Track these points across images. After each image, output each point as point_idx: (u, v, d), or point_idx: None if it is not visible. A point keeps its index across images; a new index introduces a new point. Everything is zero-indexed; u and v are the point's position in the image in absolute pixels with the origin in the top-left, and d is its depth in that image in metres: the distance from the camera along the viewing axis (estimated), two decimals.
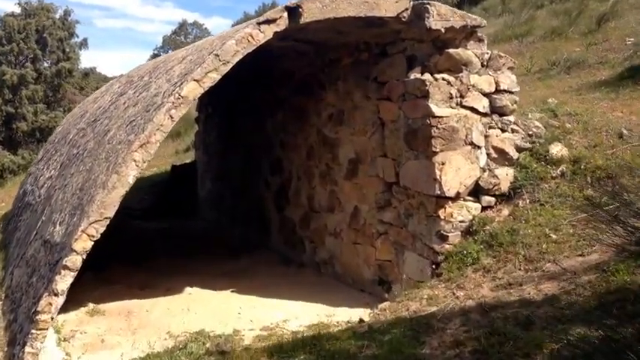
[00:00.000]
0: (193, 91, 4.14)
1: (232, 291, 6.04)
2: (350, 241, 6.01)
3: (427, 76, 4.84)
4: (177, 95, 4.06)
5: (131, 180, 4.03)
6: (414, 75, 4.97)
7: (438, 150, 4.72)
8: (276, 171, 7.75)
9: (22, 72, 21.98)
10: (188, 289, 6.14)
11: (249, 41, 4.31)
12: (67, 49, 24.66)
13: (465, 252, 4.59)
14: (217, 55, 4.23)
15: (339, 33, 5.60)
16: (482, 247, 4.58)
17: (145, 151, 4.00)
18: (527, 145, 5.11)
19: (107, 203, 3.93)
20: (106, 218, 4.00)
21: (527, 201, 4.83)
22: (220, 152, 9.99)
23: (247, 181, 8.76)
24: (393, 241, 5.30)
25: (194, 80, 4.14)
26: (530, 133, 5.26)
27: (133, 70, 9.01)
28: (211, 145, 10.52)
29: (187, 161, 12.59)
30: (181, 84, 4.17)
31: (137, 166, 4.01)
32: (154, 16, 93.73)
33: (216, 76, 4.20)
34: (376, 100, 5.50)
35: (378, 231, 5.50)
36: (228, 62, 4.24)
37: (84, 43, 26.26)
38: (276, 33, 4.46)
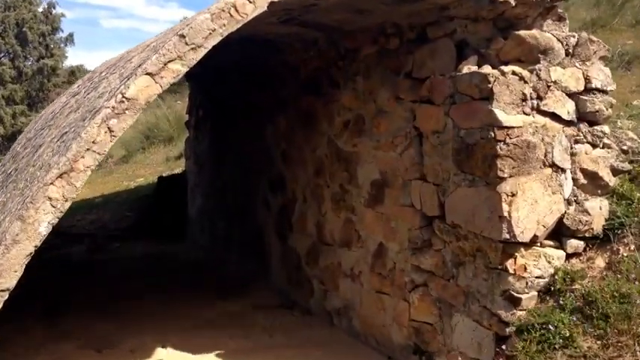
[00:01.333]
0: (145, 90, 2.79)
1: (217, 354, 4.66)
2: (372, 289, 4.62)
3: (488, 69, 3.45)
4: (119, 97, 2.70)
5: (44, 230, 2.68)
6: (469, 68, 3.58)
7: (506, 175, 3.33)
8: (277, 189, 6.37)
9: None
10: (160, 351, 4.76)
11: (231, 15, 2.96)
12: (51, 45, 23.23)
13: (548, 324, 3.19)
14: (183, 37, 2.88)
15: (359, 12, 4.23)
16: (574, 318, 3.19)
17: (67, 184, 2.64)
18: (625, 166, 3.72)
19: (3, 268, 2.56)
20: (3, 291, 2.63)
21: (632, 246, 3.44)
22: (213, 164, 8.62)
23: (243, 200, 7.39)
24: (435, 298, 3.90)
25: (147, 74, 2.78)
26: (625, 148, 3.87)
27: (101, 64, 7.66)
28: (202, 155, 9.15)
29: (177, 171, 11.22)
30: (129, 80, 2.80)
31: (54, 206, 2.66)
32: (159, 16, 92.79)
33: (180, 68, 2.85)
34: (411, 103, 4.12)
35: (413, 281, 4.11)
36: (199, 47, 2.89)
37: (69, 39, 24.78)
38: (271, 3, 3.08)
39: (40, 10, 23.29)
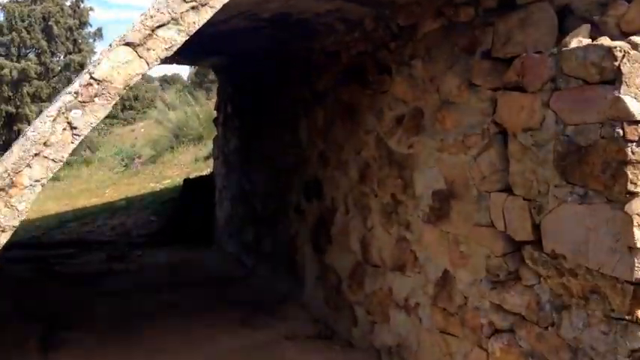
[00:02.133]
0: (124, 68, 1.93)
1: None
2: (435, 327, 3.70)
3: (610, 42, 2.49)
4: (86, 78, 1.86)
5: None
6: (580, 41, 2.62)
7: (639, 189, 2.37)
8: (313, 196, 5.50)
9: (23, 66, 20.11)
10: None
11: None
12: (79, 40, 22.74)
13: None
14: None
15: None
16: None
17: (3, 206, 1.81)
18: None
19: None
20: None
21: None
22: (241, 164, 7.81)
23: (273, 206, 6.55)
24: (526, 350, 2.95)
25: (126, 45, 1.93)
26: None
27: None
28: (230, 155, 8.36)
29: (204, 173, 10.47)
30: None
31: None
32: None
33: (175, 36, 2.02)
34: (490, 91, 3.18)
35: (493, 324, 3.17)
36: (203, 5, 2.01)
37: (98, 33, 24.32)
38: None
39: (68, 3, 22.84)
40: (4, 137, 16.63)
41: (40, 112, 18.06)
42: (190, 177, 10.32)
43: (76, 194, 12.91)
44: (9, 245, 7.29)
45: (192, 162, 12.94)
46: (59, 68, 21.54)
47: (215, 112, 9.77)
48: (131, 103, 25.23)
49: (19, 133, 16.60)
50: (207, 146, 13.67)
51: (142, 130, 20.28)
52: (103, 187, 13.17)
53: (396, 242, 4.15)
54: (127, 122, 24.15)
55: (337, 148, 5.00)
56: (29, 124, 17.21)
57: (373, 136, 4.43)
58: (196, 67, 19.11)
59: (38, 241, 8.76)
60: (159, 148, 14.78)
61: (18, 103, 18.18)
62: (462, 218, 3.42)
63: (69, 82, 21.29)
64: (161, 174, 12.72)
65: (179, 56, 8.09)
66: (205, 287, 6.48)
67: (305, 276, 5.67)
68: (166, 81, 33.29)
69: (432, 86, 3.70)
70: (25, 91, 18.90)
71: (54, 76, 20.99)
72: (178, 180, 11.41)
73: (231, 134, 8.32)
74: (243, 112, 7.73)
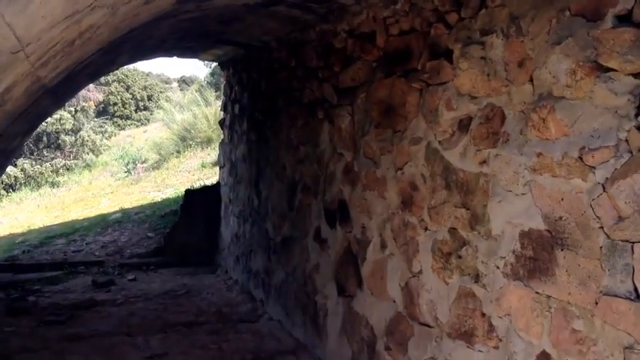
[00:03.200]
0: None
1: None
2: None
3: None
4: None
5: None
6: None
7: None
8: (338, 220, 4.33)
9: None
10: None
11: None
12: None
13: None
14: None
15: None
16: None
17: None
18: None
19: None
20: None
21: None
22: (250, 175, 6.67)
23: (289, 230, 5.39)
24: None
25: None
26: None
27: None
28: (238, 163, 7.23)
29: (210, 182, 9.34)
30: None
31: None
32: None
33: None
34: (632, 78, 1.99)
35: None
36: None
37: None
38: None
39: None
40: None
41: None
42: (193, 187, 9.20)
43: (70, 204, 11.90)
44: None
45: (198, 168, 11.85)
46: None
47: (222, 112, 8.66)
48: (145, 104, 24.37)
49: None
50: (216, 150, 12.60)
51: (154, 131, 19.33)
52: (101, 195, 12.15)
53: (457, 298, 2.96)
54: (141, 123, 23.26)
55: (370, 162, 3.83)
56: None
57: (423, 146, 3.25)
58: (212, 67, 18.05)
59: (15, 262, 7.71)
60: (164, 152, 13.73)
61: None
62: (576, 279, 2.23)
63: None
64: (164, 182, 11.65)
65: (180, 47, 7.02)
66: (203, 330, 5.33)
67: (326, 324, 4.49)
68: (185, 82, 32.39)
69: (522, 73, 2.51)
70: None
71: None
72: (182, 189, 10.31)
73: (239, 139, 7.19)
74: (253, 113, 6.59)
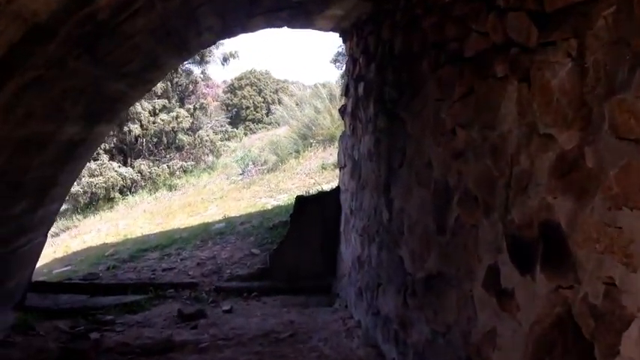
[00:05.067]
0: None
1: None
2: None
3: None
4: None
5: None
6: None
7: None
8: (539, 263, 2.36)
9: None
10: None
11: None
12: None
13: None
14: None
15: None
16: None
17: None
18: None
19: None
20: None
21: None
22: (378, 178, 4.86)
23: (438, 265, 3.49)
24: None
25: None
26: None
27: None
28: (363, 163, 5.46)
29: (329, 187, 7.65)
30: None
31: None
32: None
33: None
34: None
35: None
36: None
37: None
38: None
39: None
40: (114, 140, 15.33)
41: (153, 111, 16.68)
42: (307, 193, 7.58)
43: (175, 210, 10.88)
44: (57, 286, 4.94)
45: (318, 170, 10.27)
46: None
47: (343, 98, 6.97)
48: (277, 107, 23.75)
49: (129, 132, 15.19)
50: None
51: (284, 133, 18.41)
52: (209, 200, 11.01)
53: None
54: (272, 126, 22.65)
55: (631, 147, 1.85)
56: (140, 123, 15.77)
57: None
58: (342, 69, 16.63)
59: (95, 282, 6.54)
60: (281, 152, 12.36)
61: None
62: None
63: (187, 75, 19.95)
64: (278, 186, 10.21)
65: (287, 6, 5.39)
66: None
67: None
68: (318, 88, 31.80)
69: None
70: None
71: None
72: (297, 194, 8.76)
73: (363, 129, 5.42)
74: (382, 90, 4.78)
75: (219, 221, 8.59)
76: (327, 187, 7.77)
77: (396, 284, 4.20)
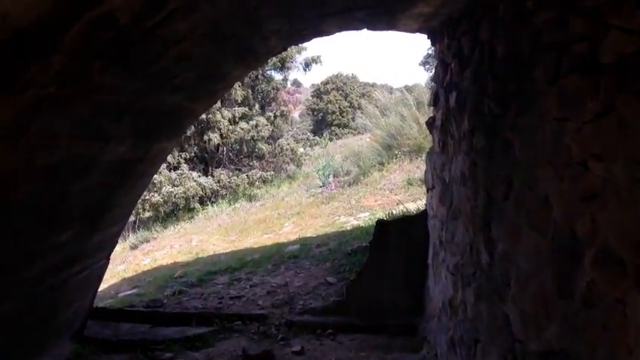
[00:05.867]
0: None
1: None
2: None
3: None
4: None
5: None
6: None
7: None
8: None
9: None
10: None
11: None
12: None
13: None
14: None
15: None
16: None
17: None
18: None
19: None
20: None
21: None
22: (474, 209, 4.04)
23: (561, 340, 2.65)
24: None
25: None
26: None
27: None
28: (454, 187, 4.64)
29: (411, 209, 6.84)
30: None
31: None
32: None
33: None
34: None
35: None
36: None
37: None
38: None
39: None
40: (194, 149, 15.18)
41: (233, 118, 16.32)
42: (392, 214, 6.81)
43: (250, 226, 10.40)
44: (119, 314, 4.51)
45: (403, 185, 9.45)
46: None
47: (431, 109, 6.17)
48: (360, 115, 23.18)
49: (208, 143, 14.93)
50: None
51: (368, 140, 17.74)
52: (285, 217, 10.45)
53: None
54: (357, 132, 22.10)
55: None
56: (220, 132, 15.46)
57: None
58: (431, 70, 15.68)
59: (157, 310, 6.10)
60: (363, 163, 11.63)
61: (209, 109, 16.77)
62: None
63: (268, 82, 19.51)
64: (358, 202, 9.47)
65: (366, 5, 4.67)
66: None
67: None
68: (409, 91, 30.97)
69: None
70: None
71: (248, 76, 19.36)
72: (380, 214, 8.02)
73: (456, 146, 4.61)
74: (479, 102, 3.96)
75: (294, 242, 7.99)
76: (412, 207, 6.96)
77: (500, 348, 3.37)
